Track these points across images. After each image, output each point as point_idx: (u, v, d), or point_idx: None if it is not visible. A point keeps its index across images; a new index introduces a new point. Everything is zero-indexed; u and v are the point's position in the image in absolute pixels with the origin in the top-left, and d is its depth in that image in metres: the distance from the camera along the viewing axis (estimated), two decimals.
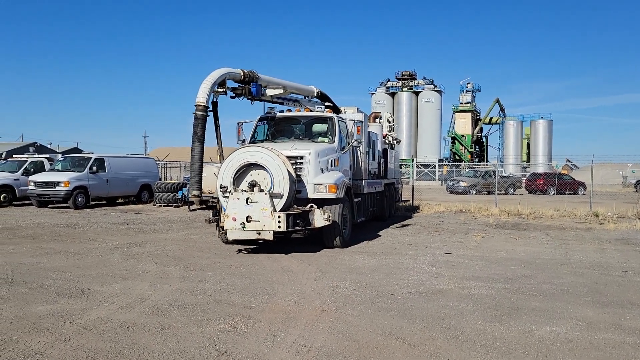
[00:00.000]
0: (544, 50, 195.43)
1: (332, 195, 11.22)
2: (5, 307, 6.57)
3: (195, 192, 10.65)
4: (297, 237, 11.88)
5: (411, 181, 36.66)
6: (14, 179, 23.42)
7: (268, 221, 10.07)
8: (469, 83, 79.88)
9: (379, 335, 5.58)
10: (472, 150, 79.22)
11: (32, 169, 24.19)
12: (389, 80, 78.08)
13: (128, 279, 8.25)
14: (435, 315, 6.31)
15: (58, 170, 23.18)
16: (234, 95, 11.96)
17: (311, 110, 13.29)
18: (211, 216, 11.17)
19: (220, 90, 11.26)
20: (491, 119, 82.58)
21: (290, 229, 10.24)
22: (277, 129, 13.13)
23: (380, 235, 13.77)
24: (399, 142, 21.89)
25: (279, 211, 10.22)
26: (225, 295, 7.19)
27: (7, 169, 24.32)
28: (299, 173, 11.23)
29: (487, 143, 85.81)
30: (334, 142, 12.38)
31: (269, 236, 10.12)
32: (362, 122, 12.68)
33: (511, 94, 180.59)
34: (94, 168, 22.58)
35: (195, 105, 10.68)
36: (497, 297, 7.23)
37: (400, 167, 26.56)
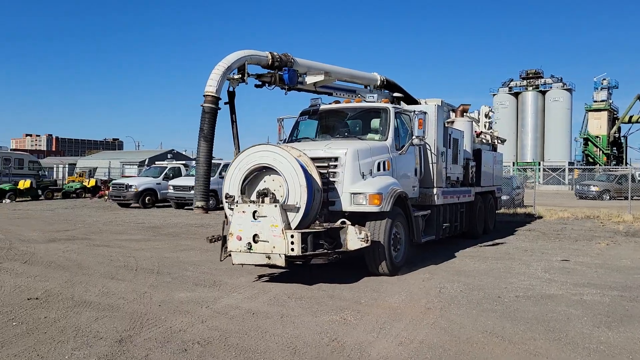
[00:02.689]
0: None
1: (375, 208, 8.54)
2: (154, 292, 7.67)
3: (199, 203, 8.54)
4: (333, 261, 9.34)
5: (536, 186, 32.38)
6: (156, 183, 25.94)
7: (278, 242, 7.66)
8: (604, 79, 71.77)
9: (480, 333, 5.81)
10: (609, 152, 70.85)
11: (171, 174, 26.50)
12: (512, 80, 72.12)
13: (252, 273, 8.99)
14: (541, 318, 6.36)
15: (193, 175, 23.20)
16: (260, 83, 9.73)
17: (365, 101, 10.64)
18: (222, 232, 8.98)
19: (236, 77, 9.07)
20: (631, 117, 72.91)
21: (309, 252, 7.74)
22: (321, 124, 10.70)
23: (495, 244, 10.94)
24: (502, 141, 18.30)
25: (294, 229, 7.78)
26: (338, 291, 7.75)
27: (150, 175, 27.19)
28: (332, 179, 8.71)
29: (626, 144, 76.16)
30: (386, 140, 9.66)
31: (280, 261, 7.71)
32: (424, 113, 9.79)
33: None
34: (223, 173, 22.31)
35: (204, 96, 8.62)
36: (610, 304, 7.04)
37: (525, 171, 22.87)
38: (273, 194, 8.02)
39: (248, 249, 7.82)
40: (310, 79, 10.23)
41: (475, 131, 15.35)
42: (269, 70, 9.70)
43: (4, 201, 28.52)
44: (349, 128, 10.30)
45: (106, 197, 29.07)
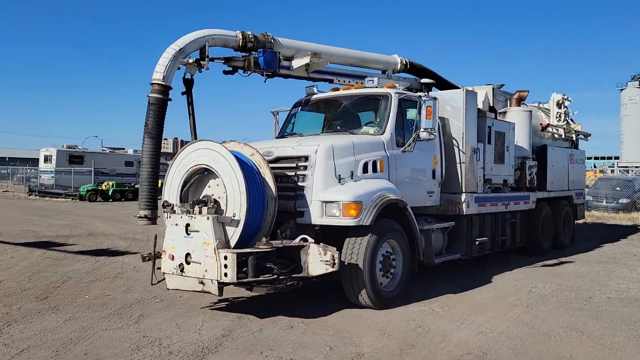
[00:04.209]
0: None
1: (350, 221, 6.62)
2: None
3: (144, 212, 7.15)
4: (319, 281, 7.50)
5: None
6: None
7: (210, 264, 6.02)
8: None
9: (561, 327, 6.13)
10: None
11: None
12: None
13: None
14: (627, 319, 6.47)
15: None
16: (230, 69, 8.16)
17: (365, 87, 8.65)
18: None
19: (190, 61, 7.56)
20: None
21: (250, 279, 6.00)
22: (315, 116, 8.90)
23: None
24: (586, 136, 15.22)
25: (232, 248, 6.10)
26: (431, 286, 8.21)
27: None
28: (301, 183, 6.91)
29: None
30: (382, 133, 7.65)
31: (214, 289, 6.06)
32: (433, 99, 7.60)
33: None
34: None
35: (150, 84, 7.23)
36: None
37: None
38: (216, 202, 6.39)
39: (180, 271, 6.26)
40: (296, 62, 8.47)
41: (541, 124, 12.64)
42: (242, 54, 8.10)
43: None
44: (342, 120, 8.39)
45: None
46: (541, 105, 13.99)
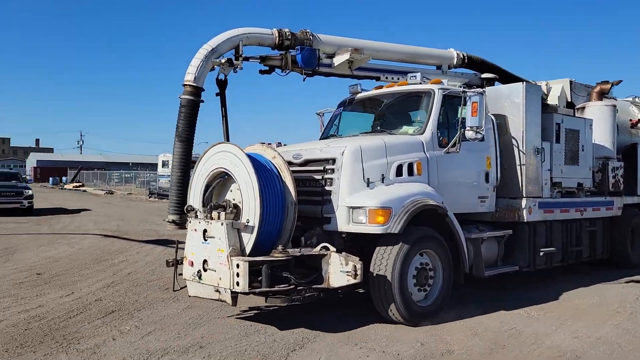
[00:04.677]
0: None
1: (377, 229, 6.10)
2: None
3: (172, 217, 7.09)
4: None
5: None
6: None
7: (224, 272, 5.76)
8: None
9: None
10: None
11: None
12: None
13: None
14: None
15: None
16: (266, 69, 7.89)
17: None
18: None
19: (223, 61, 7.37)
20: None
21: (263, 289, 5.67)
22: (358, 116, 8.41)
23: None
24: None
25: (247, 255, 5.80)
26: (527, 292, 8.09)
27: None
28: (328, 188, 6.49)
29: None
30: (422, 133, 7.01)
31: (228, 299, 5.79)
32: (480, 94, 6.84)
33: None
34: None
35: (182, 86, 7.16)
36: None
37: None
38: (236, 207, 6.13)
39: (198, 278, 6.07)
40: (337, 59, 8.03)
41: (631, 119, 11.20)
42: (279, 52, 7.82)
43: None
44: (383, 120, 7.83)
45: None
46: (637, 99, 12.48)
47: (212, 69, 7.44)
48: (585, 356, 5.30)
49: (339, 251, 5.92)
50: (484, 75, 9.40)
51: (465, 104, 6.92)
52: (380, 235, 6.16)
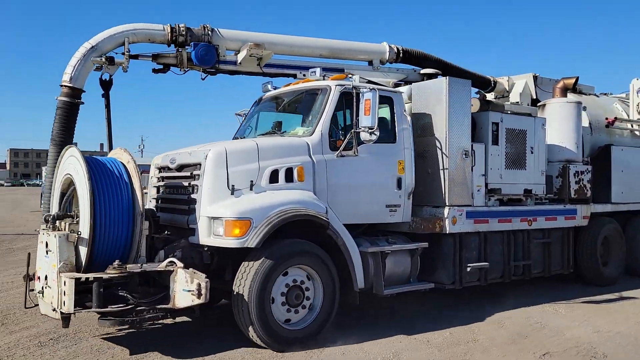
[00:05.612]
0: None
1: (231, 242, 5.43)
2: None
3: (42, 226, 6.56)
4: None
5: None
6: None
7: (55, 290, 5.21)
8: None
9: None
10: None
11: None
12: None
13: None
14: None
15: None
16: (161, 67, 7.33)
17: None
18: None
19: (100, 59, 6.83)
20: None
21: (93, 310, 5.08)
22: (271, 117, 7.72)
23: None
24: None
25: (82, 271, 5.23)
26: (555, 291, 8.42)
27: None
28: (193, 195, 5.85)
29: None
30: (312, 134, 6.26)
31: (59, 318, 5.23)
32: (372, 91, 6.01)
33: None
34: None
35: (60, 87, 6.69)
36: None
37: None
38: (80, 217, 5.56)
39: (42, 294, 5.55)
40: (240, 56, 7.39)
41: (607, 118, 10.05)
42: (177, 49, 7.25)
43: None
44: (280, 120, 7.11)
45: None
46: (622, 96, 11.33)
47: (100, 68, 6.95)
48: (600, 346, 5.77)
49: (185, 267, 5.26)
50: (424, 71, 8.54)
51: (357, 102, 6.15)
52: (246, 249, 5.47)
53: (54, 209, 6.03)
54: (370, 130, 6.04)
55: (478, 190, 7.48)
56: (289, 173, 5.93)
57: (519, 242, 8.03)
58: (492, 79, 9.68)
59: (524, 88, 9.71)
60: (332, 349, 5.61)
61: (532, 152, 8.19)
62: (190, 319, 6.68)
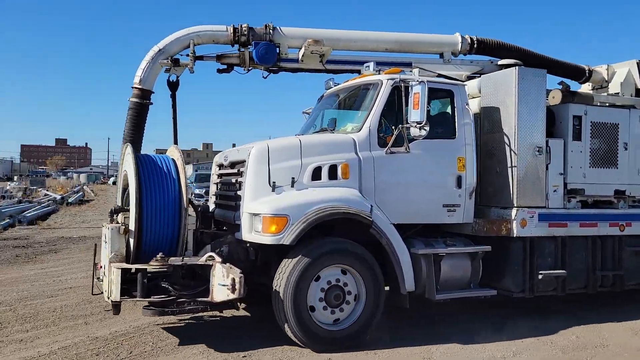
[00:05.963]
0: None
1: (267, 239, 5.42)
2: None
3: None
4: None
5: None
6: None
7: (106, 278, 5.57)
8: None
9: None
10: None
11: None
12: None
13: None
14: None
15: None
16: (225, 67, 7.52)
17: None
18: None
19: (167, 61, 7.16)
20: None
21: (137, 299, 5.37)
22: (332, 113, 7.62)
23: None
24: None
25: (131, 262, 5.54)
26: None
27: None
28: (239, 192, 5.96)
29: None
30: (359, 130, 6.07)
31: (110, 306, 5.59)
32: (421, 83, 5.67)
33: None
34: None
35: (131, 88, 7.17)
36: None
37: None
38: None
39: (100, 282, 5.98)
40: (300, 53, 7.38)
41: None
42: (239, 49, 7.43)
43: None
44: (335, 117, 6.95)
45: None
46: None
47: (168, 70, 7.33)
48: None
49: (232, 263, 5.37)
50: (502, 62, 7.95)
51: (406, 96, 5.86)
52: (287, 246, 5.44)
53: (119, 201, 6.46)
54: (419, 125, 5.73)
55: (555, 191, 6.79)
56: (332, 170, 5.80)
57: (608, 249, 7.16)
58: (587, 68, 8.74)
59: (626, 77, 8.63)
60: (450, 346, 5.77)
61: (625, 149, 7.28)
62: (249, 314, 6.83)
